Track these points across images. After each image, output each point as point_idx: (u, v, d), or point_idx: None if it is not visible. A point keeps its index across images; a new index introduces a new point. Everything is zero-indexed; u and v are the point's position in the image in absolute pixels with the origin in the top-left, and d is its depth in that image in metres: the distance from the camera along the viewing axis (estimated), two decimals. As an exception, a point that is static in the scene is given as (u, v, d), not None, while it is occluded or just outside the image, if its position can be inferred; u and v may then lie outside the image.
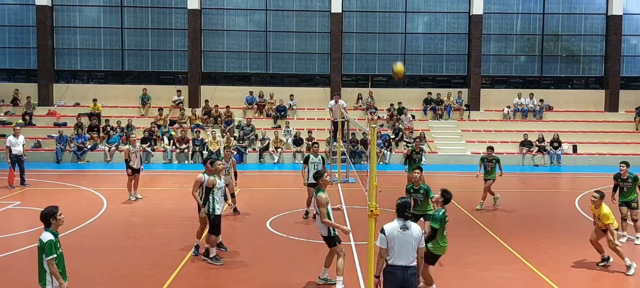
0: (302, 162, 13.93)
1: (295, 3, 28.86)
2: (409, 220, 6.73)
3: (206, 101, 27.79)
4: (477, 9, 28.31)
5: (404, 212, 6.72)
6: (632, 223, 11.86)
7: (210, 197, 10.09)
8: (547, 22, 29.20)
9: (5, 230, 12.35)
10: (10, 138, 18.06)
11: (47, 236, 6.52)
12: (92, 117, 26.20)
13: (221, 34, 28.94)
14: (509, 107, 28.35)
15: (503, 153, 23.26)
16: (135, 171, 15.83)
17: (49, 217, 6.60)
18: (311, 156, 13.85)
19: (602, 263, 10.23)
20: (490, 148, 15.53)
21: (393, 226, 6.70)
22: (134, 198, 15.68)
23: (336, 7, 28.33)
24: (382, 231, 6.69)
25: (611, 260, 10.19)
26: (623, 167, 11.88)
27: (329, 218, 8.65)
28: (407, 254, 6.62)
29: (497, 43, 29.33)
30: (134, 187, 15.86)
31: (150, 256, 10.53)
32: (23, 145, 18.19)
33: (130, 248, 11.18)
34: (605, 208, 9.95)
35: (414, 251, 6.66)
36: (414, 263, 6.68)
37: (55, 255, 6.48)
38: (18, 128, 18.79)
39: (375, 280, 6.83)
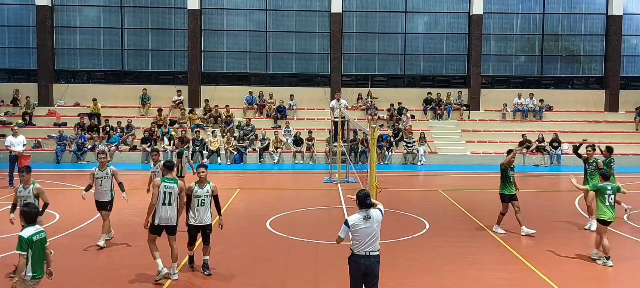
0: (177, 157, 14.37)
1: (295, 3, 28.86)
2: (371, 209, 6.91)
3: (206, 101, 27.79)
4: (477, 9, 28.31)
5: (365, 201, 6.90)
6: None
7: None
8: (547, 22, 29.20)
9: (5, 230, 12.32)
10: (10, 138, 18.07)
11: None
12: (92, 117, 26.21)
13: (221, 34, 28.94)
14: (505, 104, 28.33)
15: (503, 154, 23.23)
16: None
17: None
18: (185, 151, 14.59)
19: None
20: (610, 149, 14.13)
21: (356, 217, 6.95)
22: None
23: (336, 7, 28.33)
24: (346, 223, 6.96)
25: None
26: None
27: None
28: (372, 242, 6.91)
29: (497, 43, 29.32)
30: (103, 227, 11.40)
31: (149, 256, 10.45)
32: (24, 144, 18.18)
33: (128, 249, 11.17)
34: None
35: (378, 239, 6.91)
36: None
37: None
38: (16, 127, 18.80)
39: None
